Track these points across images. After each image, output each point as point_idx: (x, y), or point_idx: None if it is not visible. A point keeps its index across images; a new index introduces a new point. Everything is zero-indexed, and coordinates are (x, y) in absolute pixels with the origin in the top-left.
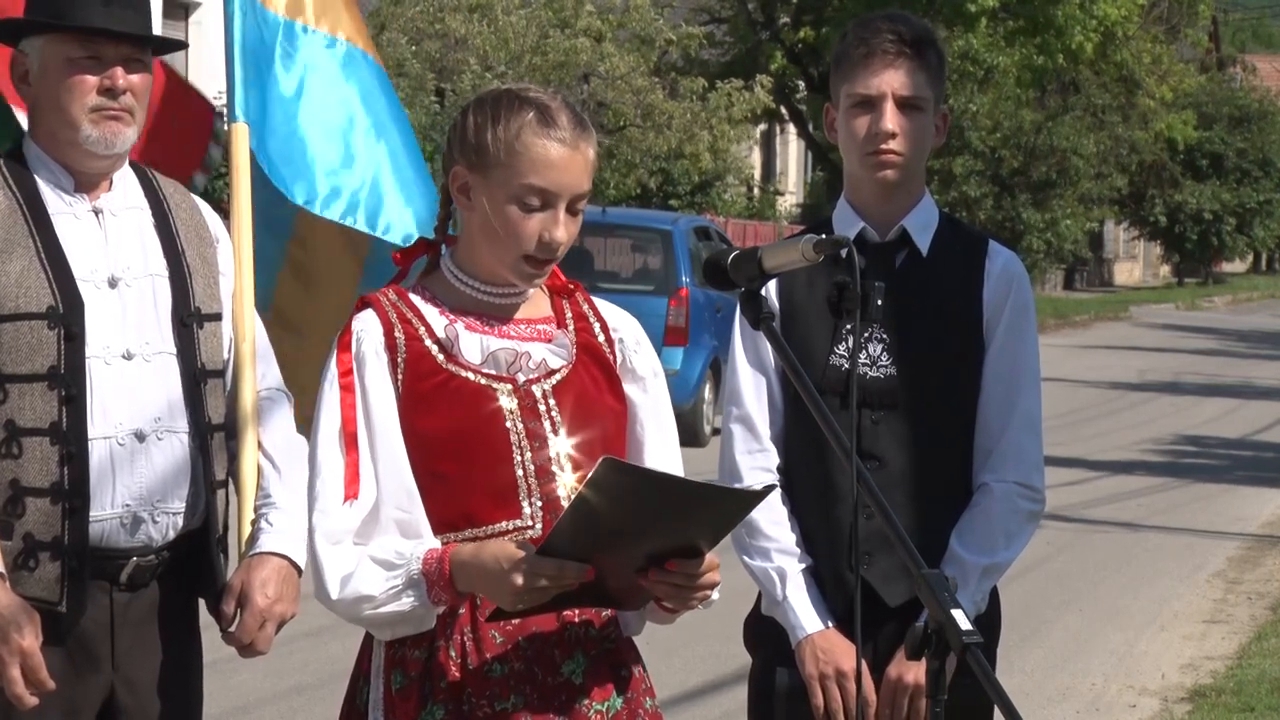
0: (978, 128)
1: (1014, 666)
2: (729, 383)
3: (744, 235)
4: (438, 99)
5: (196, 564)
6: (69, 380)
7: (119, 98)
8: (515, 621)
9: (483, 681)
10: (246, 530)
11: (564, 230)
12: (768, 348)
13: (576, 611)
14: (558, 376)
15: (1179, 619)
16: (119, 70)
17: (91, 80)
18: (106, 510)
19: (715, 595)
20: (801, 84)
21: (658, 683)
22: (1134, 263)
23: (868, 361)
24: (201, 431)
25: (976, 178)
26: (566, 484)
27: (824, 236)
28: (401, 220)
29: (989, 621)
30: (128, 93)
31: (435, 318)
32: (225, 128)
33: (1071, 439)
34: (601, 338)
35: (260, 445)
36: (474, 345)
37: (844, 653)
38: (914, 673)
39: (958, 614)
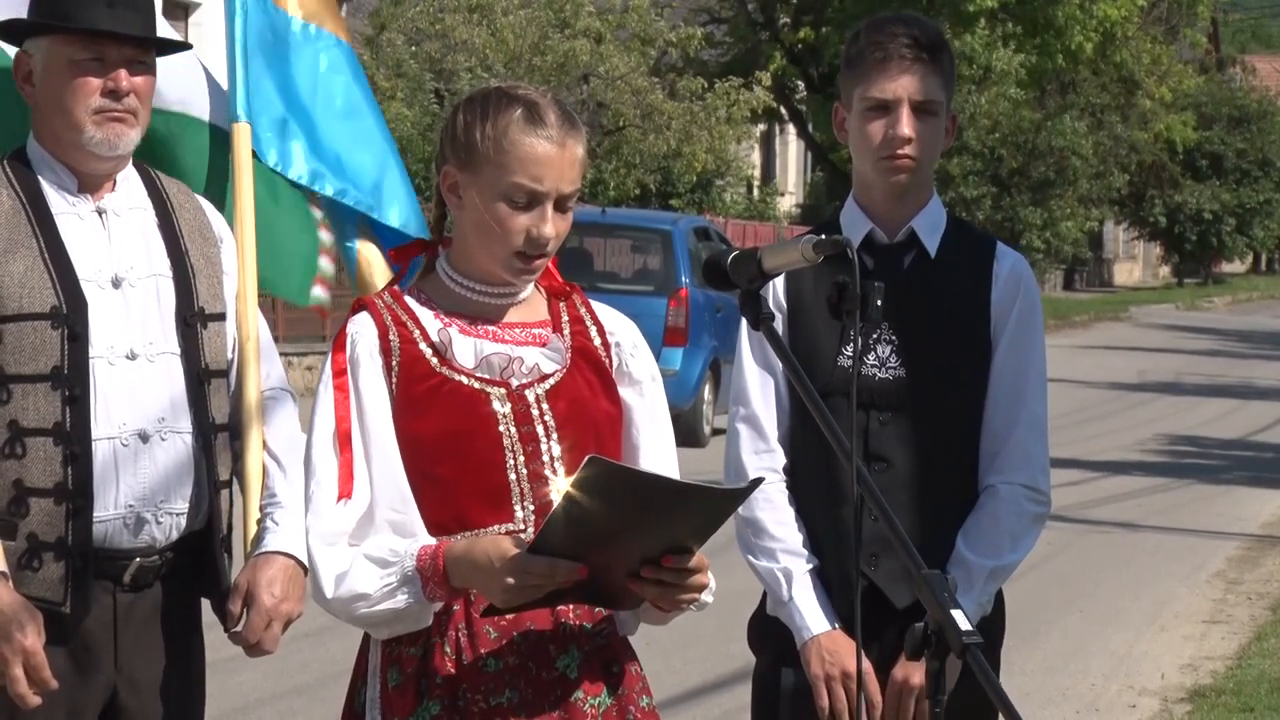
0: (976, 127)
1: (1014, 667)
2: (736, 382)
3: (744, 235)
4: (437, 100)
5: (200, 564)
6: (72, 380)
7: (122, 99)
8: (510, 617)
9: (478, 676)
10: (252, 529)
11: (552, 227)
12: None
13: (571, 607)
14: (551, 381)
15: (1179, 619)
16: (123, 73)
17: (95, 82)
18: (110, 510)
19: (709, 598)
20: (801, 84)
21: (658, 682)
22: (1134, 263)
23: (876, 363)
24: (205, 431)
25: (975, 178)
26: (559, 488)
27: (823, 237)
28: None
29: (994, 623)
30: (131, 94)
31: (430, 320)
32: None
33: (1071, 439)
34: (598, 341)
35: (265, 444)
36: (467, 349)
37: (850, 654)
38: (919, 674)
39: (957, 614)
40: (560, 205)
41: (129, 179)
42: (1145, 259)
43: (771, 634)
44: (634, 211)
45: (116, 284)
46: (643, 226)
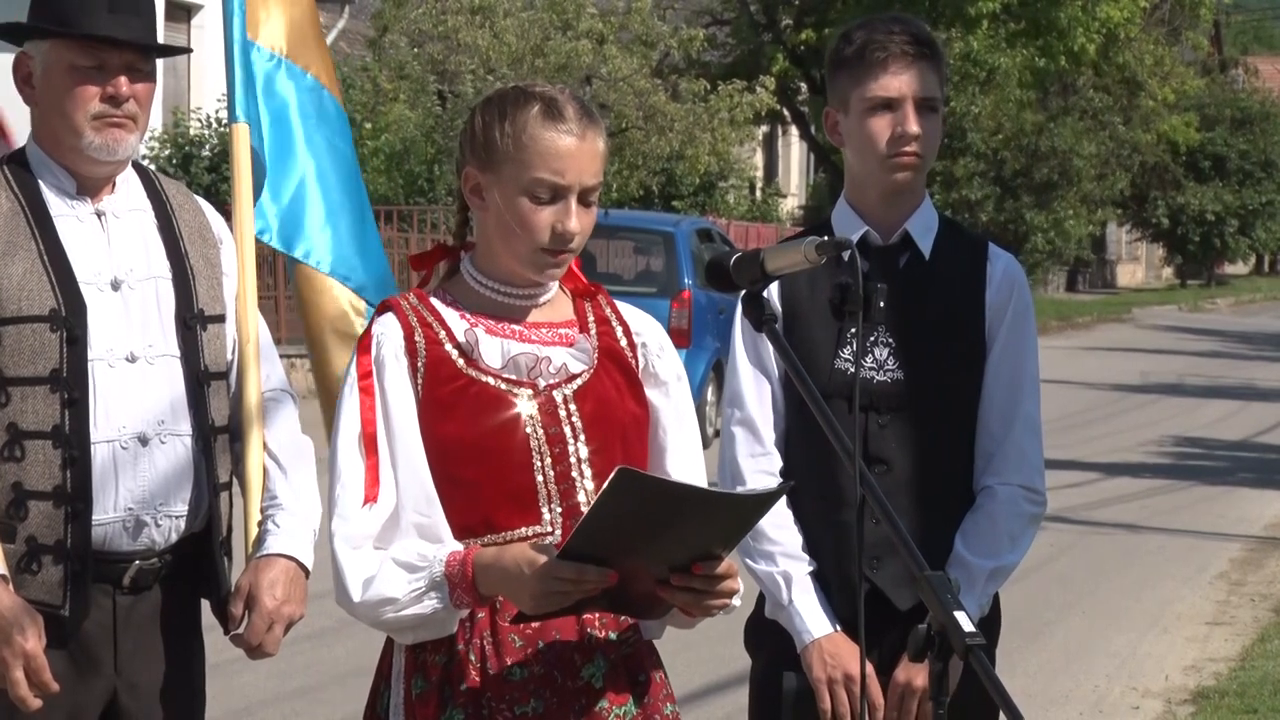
0: (980, 129)
1: (1017, 668)
2: (730, 385)
3: (746, 237)
4: (440, 102)
5: (199, 566)
6: (71, 383)
7: (122, 105)
8: (535, 625)
9: (502, 685)
10: (253, 531)
11: (577, 221)
12: (769, 350)
13: (596, 617)
14: (579, 381)
15: (1182, 621)
16: (123, 80)
17: (95, 88)
18: (109, 513)
19: (737, 602)
20: (803, 86)
21: None
22: (1136, 264)
23: (874, 365)
24: (204, 434)
25: (979, 179)
26: (586, 490)
27: (825, 238)
28: (327, 253)
29: (989, 623)
30: (131, 100)
31: (455, 321)
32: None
33: (1074, 441)
34: (624, 342)
35: (265, 446)
36: (494, 350)
37: (851, 656)
38: (922, 676)
39: (960, 615)
40: (583, 199)
41: (128, 181)
42: (1148, 260)
43: (768, 636)
44: (637, 213)
45: (116, 286)
46: (645, 228)
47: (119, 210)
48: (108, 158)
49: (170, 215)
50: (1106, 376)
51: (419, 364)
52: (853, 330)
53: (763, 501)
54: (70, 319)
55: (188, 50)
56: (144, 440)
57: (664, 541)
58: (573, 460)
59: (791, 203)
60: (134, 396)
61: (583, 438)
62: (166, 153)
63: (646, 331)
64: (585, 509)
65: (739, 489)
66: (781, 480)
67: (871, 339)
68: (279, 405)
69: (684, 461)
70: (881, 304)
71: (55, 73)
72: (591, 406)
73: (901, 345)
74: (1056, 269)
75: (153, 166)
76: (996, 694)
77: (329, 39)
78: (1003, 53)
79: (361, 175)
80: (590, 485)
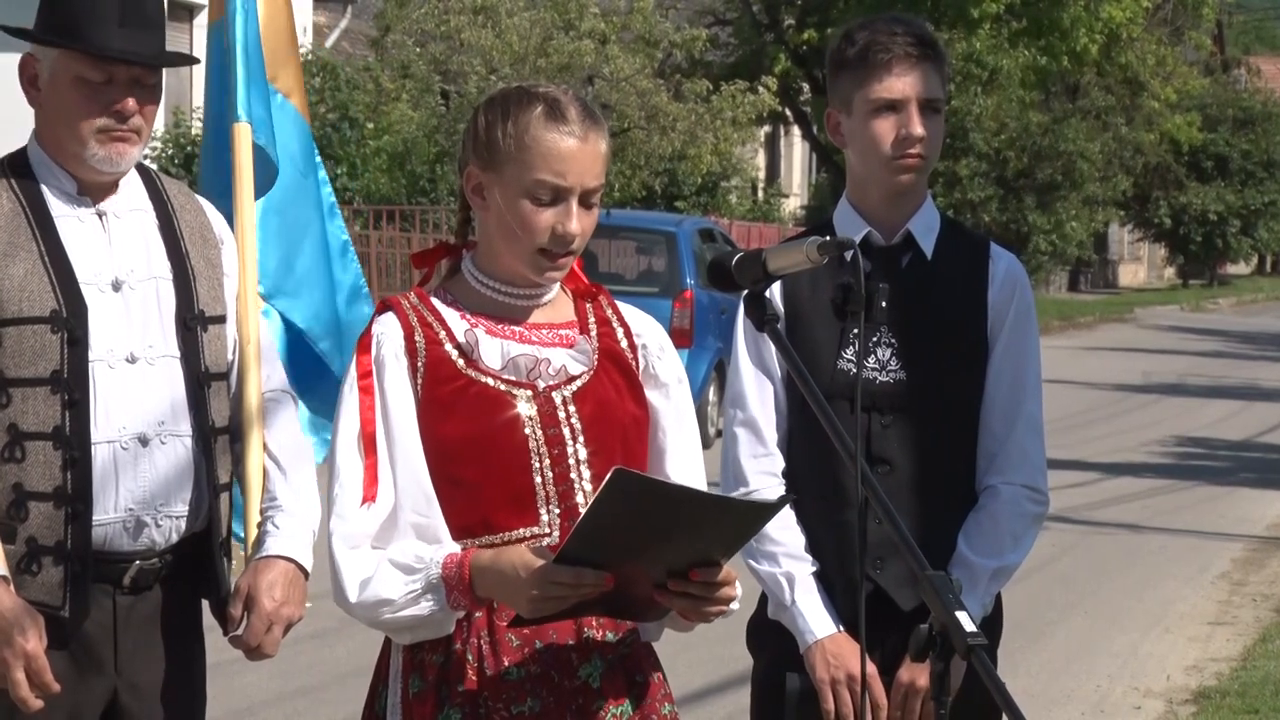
0: (982, 130)
1: (1018, 668)
2: (732, 386)
3: (748, 237)
4: (443, 101)
5: (200, 567)
6: (72, 384)
7: (127, 120)
8: (532, 626)
9: (499, 685)
10: (253, 533)
11: (577, 223)
12: (771, 350)
13: (594, 617)
14: (578, 383)
15: (1184, 621)
16: (131, 101)
17: (102, 102)
18: (109, 514)
19: (735, 606)
20: (805, 86)
21: None
22: (1139, 264)
23: (877, 366)
24: (205, 434)
25: (981, 180)
26: (585, 491)
27: (828, 238)
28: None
29: (992, 622)
30: (136, 115)
31: (456, 321)
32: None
33: (1076, 441)
34: (625, 343)
35: (265, 447)
36: (494, 350)
37: (854, 657)
38: (925, 676)
39: (962, 615)
40: (585, 201)
41: (130, 181)
42: (1150, 260)
43: (770, 637)
44: (639, 213)
45: (116, 287)
46: (648, 228)
47: (120, 210)
48: (110, 169)
49: (171, 215)
50: (1108, 376)
51: (419, 364)
52: (855, 330)
53: (761, 512)
54: (71, 320)
55: (194, 60)
56: (144, 441)
57: (661, 545)
58: (571, 462)
59: (794, 203)
60: (134, 397)
61: (582, 439)
62: (169, 153)
63: (647, 333)
64: (583, 510)
65: (738, 492)
66: (784, 483)
67: (874, 339)
68: (279, 406)
69: (684, 463)
70: (884, 304)
71: (62, 82)
72: (591, 408)
73: (903, 345)
74: (1058, 269)
75: (154, 166)
76: (998, 694)
77: (330, 39)
78: (1005, 53)
79: (321, 187)
80: (589, 487)
